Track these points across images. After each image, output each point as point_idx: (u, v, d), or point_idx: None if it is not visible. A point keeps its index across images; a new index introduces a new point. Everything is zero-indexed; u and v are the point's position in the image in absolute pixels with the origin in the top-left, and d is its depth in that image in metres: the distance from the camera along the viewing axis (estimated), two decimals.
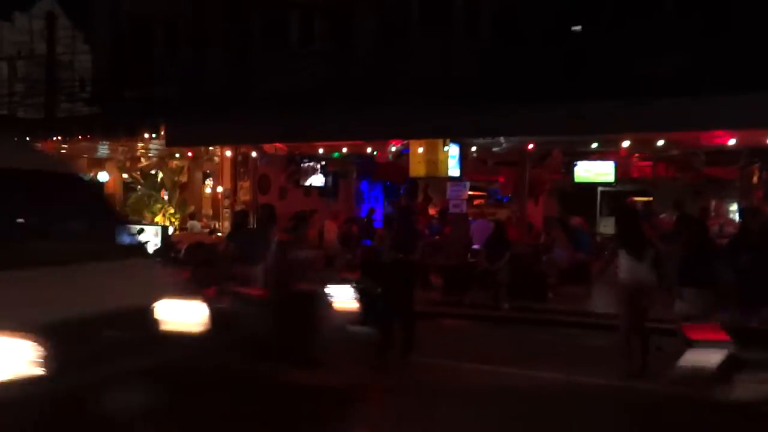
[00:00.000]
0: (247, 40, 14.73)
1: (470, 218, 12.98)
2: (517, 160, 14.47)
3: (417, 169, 11.03)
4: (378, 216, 17.90)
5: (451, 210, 12.01)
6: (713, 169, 14.43)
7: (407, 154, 11.62)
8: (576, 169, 14.98)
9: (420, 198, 19.15)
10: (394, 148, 11.88)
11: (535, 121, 9.86)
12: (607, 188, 18.41)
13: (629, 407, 6.39)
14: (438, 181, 18.11)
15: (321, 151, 13.65)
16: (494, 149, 11.97)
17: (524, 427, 5.82)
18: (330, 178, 15.80)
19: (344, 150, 13.35)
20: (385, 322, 7.67)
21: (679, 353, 5.76)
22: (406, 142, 11.50)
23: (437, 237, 13.06)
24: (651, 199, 19.12)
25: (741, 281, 6.75)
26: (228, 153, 13.67)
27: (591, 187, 17.66)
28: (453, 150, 10.88)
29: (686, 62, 10.66)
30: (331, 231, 13.88)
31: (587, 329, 9.42)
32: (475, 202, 16.98)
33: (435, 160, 10.86)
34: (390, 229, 8.03)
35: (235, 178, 13.91)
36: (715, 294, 6.87)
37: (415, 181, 14.83)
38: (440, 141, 10.76)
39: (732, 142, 10.32)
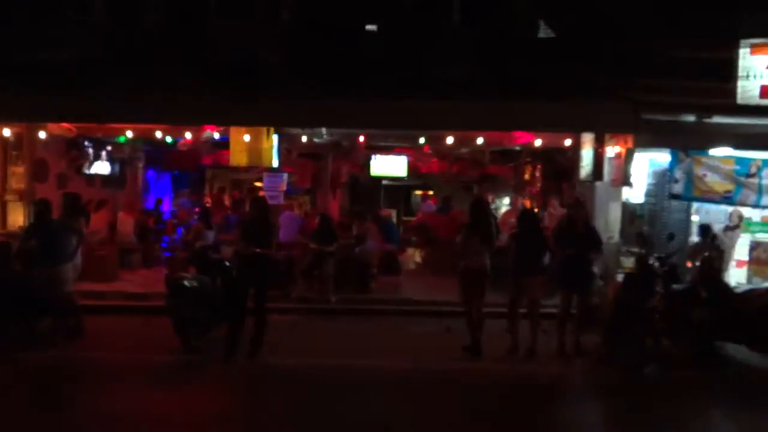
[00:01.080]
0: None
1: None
2: (322, 153, 14.61)
3: (239, 158, 10.47)
4: (167, 207, 16.70)
5: (269, 202, 11.58)
6: (491, 167, 16.11)
7: (225, 142, 10.99)
8: (373, 163, 15.60)
9: (211, 189, 18.32)
10: (216, 135, 11.08)
11: (360, 114, 9.96)
12: (390, 182, 19.44)
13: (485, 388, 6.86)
14: (226, 171, 17.58)
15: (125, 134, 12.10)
16: (316, 140, 11.86)
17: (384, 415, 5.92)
18: (116, 166, 14.26)
19: (129, 134, 12.05)
20: (233, 319, 7.23)
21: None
22: (223, 129, 10.84)
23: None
24: (432, 192, 20.69)
25: (563, 270, 7.66)
26: None
27: (376, 181, 18.54)
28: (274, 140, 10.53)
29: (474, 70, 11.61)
30: (126, 223, 12.58)
31: (414, 316, 9.85)
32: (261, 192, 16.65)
33: (259, 149, 10.42)
34: (241, 223, 7.51)
35: (5, 163, 11.84)
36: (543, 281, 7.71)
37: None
38: (264, 130, 10.35)
39: (538, 143, 11.54)
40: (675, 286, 7.65)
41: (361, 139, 12.16)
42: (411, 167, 15.80)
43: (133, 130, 11.77)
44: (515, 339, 7.60)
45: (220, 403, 6.20)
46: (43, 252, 7.61)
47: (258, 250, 7.08)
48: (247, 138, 10.17)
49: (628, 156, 10.18)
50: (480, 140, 11.61)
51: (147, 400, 6.07)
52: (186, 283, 7.51)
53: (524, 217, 8.07)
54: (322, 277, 10.38)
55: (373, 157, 15.32)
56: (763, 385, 7.17)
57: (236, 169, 15.09)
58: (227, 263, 8.30)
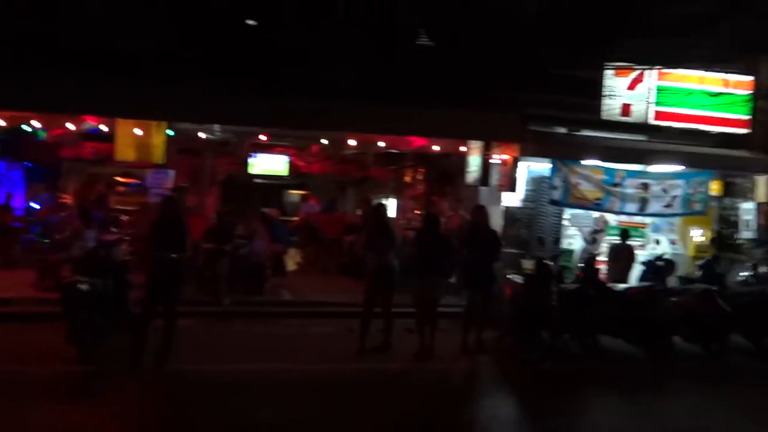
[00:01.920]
0: None
1: None
2: (200, 149, 14.03)
3: (125, 152, 9.77)
4: (20, 203, 15.12)
5: (152, 199, 10.97)
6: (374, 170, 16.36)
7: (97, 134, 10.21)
8: (253, 161, 15.29)
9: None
10: (105, 128, 10.24)
11: (261, 112, 9.76)
12: (263, 182, 19.09)
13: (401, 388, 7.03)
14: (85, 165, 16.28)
15: None
16: (208, 136, 11.37)
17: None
18: None
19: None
20: (140, 325, 6.80)
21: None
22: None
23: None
24: (308, 192, 20.54)
25: (469, 272, 8.05)
26: None
27: (249, 180, 18.15)
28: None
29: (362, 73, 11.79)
30: None
31: (312, 318, 9.78)
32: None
33: (148, 145, 9.81)
34: (153, 225, 7.03)
35: None
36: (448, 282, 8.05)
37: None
38: (154, 124, 9.78)
39: (436, 148, 11.94)
40: (566, 286, 8.30)
41: (264, 138, 11.86)
42: (291, 166, 15.67)
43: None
44: (422, 338, 7.84)
45: (141, 413, 5.82)
46: None
47: (174, 255, 6.69)
48: (138, 132, 9.54)
49: (515, 164, 10.89)
50: (382, 144, 11.80)
51: (57, 415, 5.54)
52: (82, 287, 6.91)
53: (427, 220, 8.34)
54: (214, 278, 9.98)
55: (253, 155, 15.00)
56: (636, 372, 8.00)
57: (95, 163, 14.03)
58: (121, 264, 7.77)
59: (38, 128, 11.40)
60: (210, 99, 9.42)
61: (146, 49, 9.81)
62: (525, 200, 11.86)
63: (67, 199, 14.21)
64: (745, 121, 12.30)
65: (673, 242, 12.18)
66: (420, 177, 15.20)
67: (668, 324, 8.05)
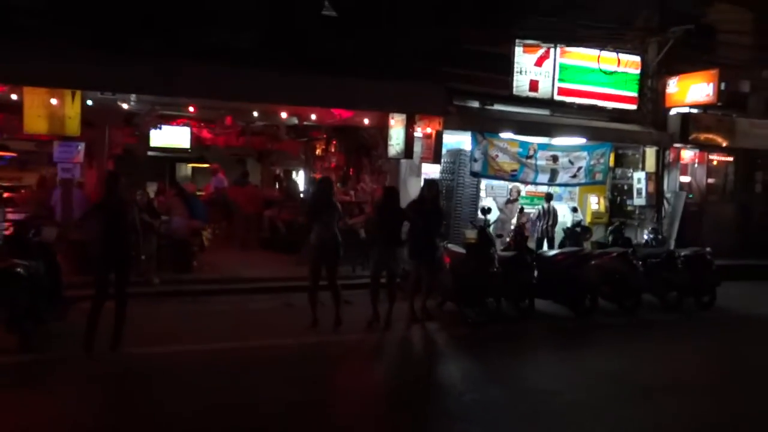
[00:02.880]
0: None
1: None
2: (95, 121, 13.10)
3: (35, 124, 8.93)
4: None
5: (61, 175, 10.13)
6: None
7: None
8: (155, 134, 14.56)
9: None
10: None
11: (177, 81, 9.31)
12: (160, 154, 18.22)
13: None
14: None
15: None
16: (129, 107, 10.66)
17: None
18: None
19: None
20: (94, 307, 6.44)
21: None
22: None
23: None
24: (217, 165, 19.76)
25: (415, 243, 8.31)
26: None
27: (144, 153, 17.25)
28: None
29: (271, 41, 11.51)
30: None
31: (246, 294, 9.64)
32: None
33: (61, 116, 9.04)
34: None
35: None
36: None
37: None
38: (69, 92, 9.03)
39: (366, 121, 11.97)
40: (503, 254, 8.80)
41: (192, 109, 11.30)
42: (194, 139, 15.07)
43: None
44: (375, 308, 8.01)
45: (110, 398, 5.55)
46: None
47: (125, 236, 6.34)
48: (54, 102, 8.77)
49: (439, 136, 11.23)
50: (286, 115, 11.66)
51: (31, 407, 5.16)
52: (20, 270, 6.39)
53: (388, 193, 8.46)
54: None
55: (158, 127, 14.26)
56: (569, 329, 8.71)
57: None
58: (50, 246, 7.24)
59: None
60: (121, 65, 8.86)
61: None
62: (443, 172, 12.28)
63: None
64: (634, 97, 13.47)
65: (574, 210, 13.16)
66: (333, 150, 15.20)
67: (592, 284, 8.79)
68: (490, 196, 12.52)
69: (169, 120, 14.22)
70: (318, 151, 16.03)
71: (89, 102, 9.60)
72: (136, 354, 6.57)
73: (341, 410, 5.57)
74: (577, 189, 13.45)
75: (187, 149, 15.66)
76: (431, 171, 12.17)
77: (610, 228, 11.37)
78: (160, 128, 14.35)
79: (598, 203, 13.61)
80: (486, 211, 9.14)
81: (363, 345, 7.51)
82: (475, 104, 12.27)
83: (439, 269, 8.67)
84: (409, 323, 8.21)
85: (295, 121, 13.24)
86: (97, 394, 5.68)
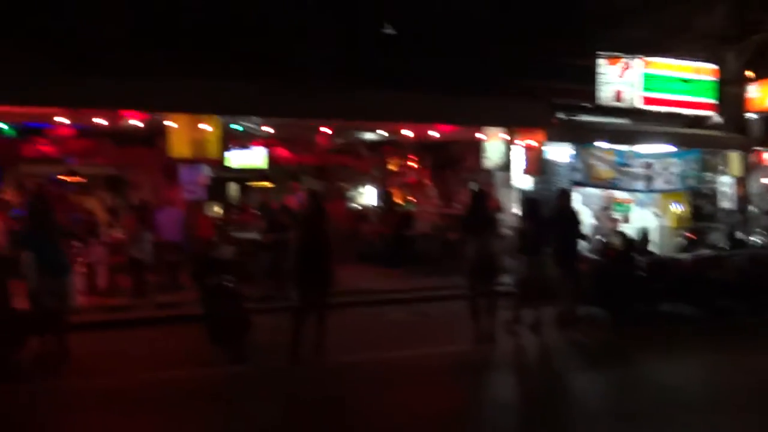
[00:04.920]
0: None
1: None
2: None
3: (180, 149, 9.30)
4: None
5: (186, 196, 10.46)
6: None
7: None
8: (229, 154, 14.84)
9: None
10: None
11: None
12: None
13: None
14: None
15: None
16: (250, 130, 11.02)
17: None
18: None
19: None
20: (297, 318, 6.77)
21: None
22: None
23: None
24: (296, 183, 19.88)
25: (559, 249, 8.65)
26: None
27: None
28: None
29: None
30: None
31: (372, 306, 10.04)
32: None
33: (203, 140, 9.41)
34: None
35: None
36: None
37: None
38: (206, 118, 9.40)
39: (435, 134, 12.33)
40: (641, 259, 9.13)
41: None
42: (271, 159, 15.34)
43: None
44: (537, 313, 8.32)
45: (340, 405, 5.82)
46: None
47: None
48: (204, 126, 9.14)
49: (541, 149, 11.61)
50: (409, 133, 12.06)
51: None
52: (230, 285, 6.74)
53: (531, 204, 8.89)
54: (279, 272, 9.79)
55: (231, 149, 14.52)
56: (700, 330, 8.90)
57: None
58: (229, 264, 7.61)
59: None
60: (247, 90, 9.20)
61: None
62: (538, 183, 12.62)
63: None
64: (711, 104, 13.87)
65: (657, 215, 13.48)
66: (411, 164, 15.49)
67: (729, 285, 9.13)
68: (585, 204, 12.84)
69: (248, 141, 14.49)
70: (393, 167, 16.31)
71: (238, 127, 9.91)
72: (340, 362, 6.85)
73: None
74: (656, 195, 13.79)
75: (263, 169, 16.00)
76: (522, 182, 12.54)
77: (726, 232, 11.70)
78: (232, 150, 14.56)
79: (681, 208, 13.95)
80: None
81: (538, 349, 7.82)
82: (560, 115, 12.66)
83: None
84: (564, 329, 8.49)
85: (374, 136, 13.61)
86: (340, 399, 5.94)
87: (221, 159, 9.83)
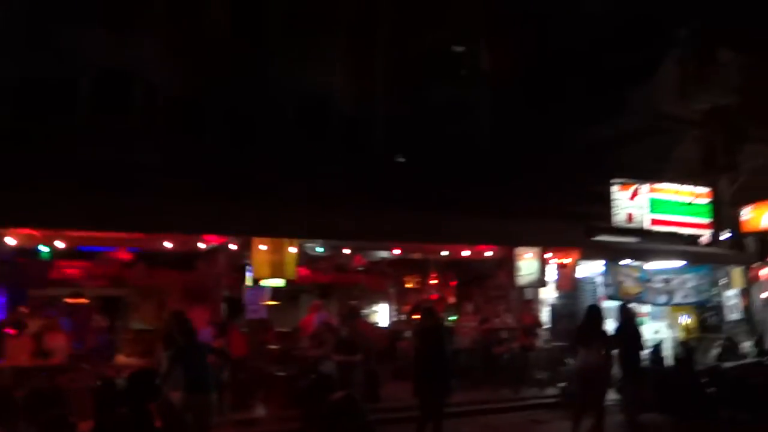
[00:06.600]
0: None
1: None
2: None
3: (261, 271, 9.81)
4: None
5: (249, 316, 10.81)
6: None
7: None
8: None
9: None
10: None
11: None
12: None
13: None
14: None
15: None
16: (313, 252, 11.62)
17: None
18: None
19: None
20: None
21: None
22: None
23: None
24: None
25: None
26: None
27: None
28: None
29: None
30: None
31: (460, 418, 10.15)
32: None
33: (281, 262, 9.96)
34: None
35: None
36: None
37: None
38: (285, 241, 10.01)
39: (489, 253, 13.18)
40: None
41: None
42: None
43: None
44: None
45: None
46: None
47: None
48: (293, 250, 9.75)
49: (574, 267, 12.58)
50: (445, 252, 12.83)
51: None
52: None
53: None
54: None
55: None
56: None
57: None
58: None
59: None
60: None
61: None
62: (564, 297, 13.49)
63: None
64: (707, 224, 15.28)
65: (670, 326, 14.41)
66: (431, 281, 16.10)
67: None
68: (610, 318, 13.67)
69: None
70: (411, 284, 16.82)
71: (320, 249, 10.48)
72: None
73: None
74: (666, 308, 14.80)
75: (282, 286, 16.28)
76: (548, 296, 13.42)
77: (754, 341, 12.63)
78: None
79: (689, 320, 14.95)
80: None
81: None
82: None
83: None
84: None
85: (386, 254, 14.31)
86: None
87: (295, 279, 10.28)
